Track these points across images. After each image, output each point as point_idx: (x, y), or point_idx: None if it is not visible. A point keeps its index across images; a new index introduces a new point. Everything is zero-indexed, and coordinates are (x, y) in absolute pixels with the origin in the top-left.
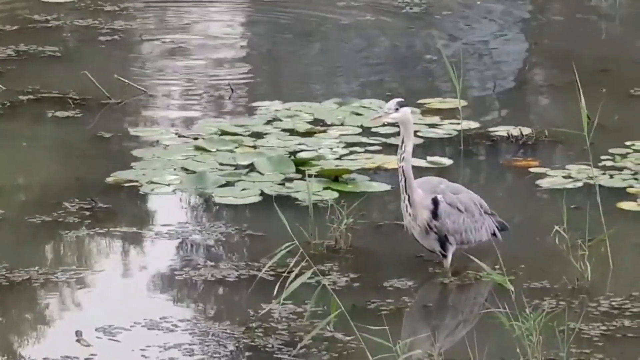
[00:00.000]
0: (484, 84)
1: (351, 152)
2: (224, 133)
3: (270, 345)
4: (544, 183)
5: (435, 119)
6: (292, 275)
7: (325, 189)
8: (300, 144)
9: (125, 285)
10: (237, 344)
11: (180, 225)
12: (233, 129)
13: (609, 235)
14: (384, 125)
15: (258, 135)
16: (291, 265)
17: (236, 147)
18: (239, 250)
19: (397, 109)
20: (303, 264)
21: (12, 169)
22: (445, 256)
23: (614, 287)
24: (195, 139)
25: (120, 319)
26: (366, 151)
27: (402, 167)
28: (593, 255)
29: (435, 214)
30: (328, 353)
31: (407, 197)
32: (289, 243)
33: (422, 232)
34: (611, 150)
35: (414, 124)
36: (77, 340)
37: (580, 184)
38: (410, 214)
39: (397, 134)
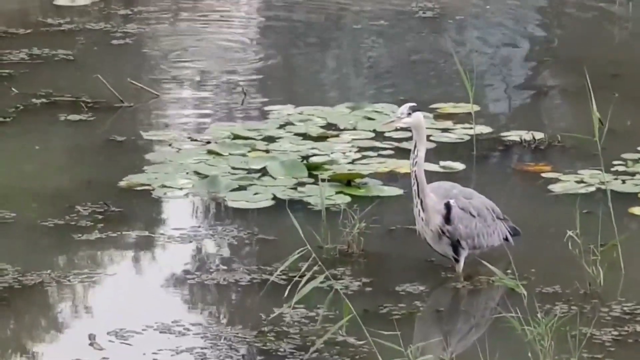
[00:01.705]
0: (497, 88)
1: (364, 157)
2: (236, 137)
3: (282, 350)
4: (556, 188)
5: (448, 124)
6: (304, 279)
7: (337, 193)
8: (312, 148)
9: (137, 289)
10: (249, 348)
11: (193, 229)
12: (246, 132)
13: (620, 240)
14: (396, 129)
15: (271, 139)
16: (303, 269)
17: (249, 151)
18: (251, 255)
19: (409, 113)
20: (315, 268)
21: (24, 173)
22: (457, 261)
23: (626, 292)
24: (208, 142)
25: (132, 323)
26: (379, 155)
27: (415, 171)
28: (605, 260)
29: (447, 219)
30: (340, 357)
31: (419, 202)
32: (302, 248)
33: (434, 236)
34: (623, 156)
35: (427, 128)
36: (91, 344)
37: (592, 188)
38: (422, 219)
39: (410, 138)
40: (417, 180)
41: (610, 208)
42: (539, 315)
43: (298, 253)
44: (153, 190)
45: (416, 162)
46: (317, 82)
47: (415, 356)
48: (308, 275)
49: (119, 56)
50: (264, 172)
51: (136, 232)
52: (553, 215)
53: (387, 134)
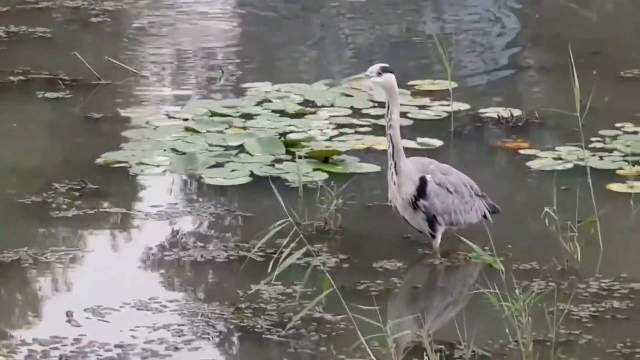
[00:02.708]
0: (475, 65)
1: (341, 134)
2: (214, 114)
3: (259, 326)
4: (534, 165)
5: (426, 101)
6: (284, 254)
7: (315, 170)
8: (290, 125)
9: (115, 266)
10: (226, 325)
11: (170, 206)
12: (223, 110)
13: (598, 216)
14: (373, 105)
15: (248, 117)
16: (285, 243)
17: (226, 128)
18: (228, 231)
19: (379, 73)
20: (293, 245)
21: (1, 150)
22: (434, 237)
23: (603, 269)
24: (185, 120)
25: (109, 300)
26: (356, 132)
27: (390, 134)
28: (583, 236)
29: (422, 192)
30: (317, 334)
31: (393, 164)
32: (283, 220)
33: (405, 205)
34: (601, 132)
35: (404, 105)
36: (68, 321)
37: (570, 165)
38: (395, 182)
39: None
40: (392, 142)
41: (590, 184)
42: (516, 291)
43: (280, 224)
44: (130, 167)
45: (390, 124)
46: (294, 59)
47: (394, 332)
48: (288, 250)
49: (97, 34)
50: (241, 149)
51: (113, 210)
52: (531, 192)
53: (364, 111)
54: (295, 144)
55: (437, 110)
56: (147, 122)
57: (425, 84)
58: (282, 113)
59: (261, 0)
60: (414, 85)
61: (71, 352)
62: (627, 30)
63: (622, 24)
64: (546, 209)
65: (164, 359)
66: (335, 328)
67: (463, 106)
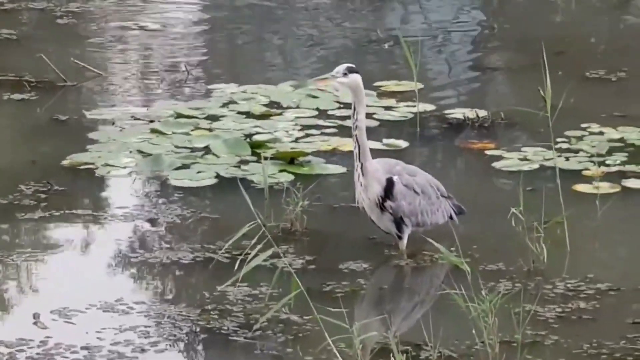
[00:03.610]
0: (440, 66)
1: (307, 135)
2: (179, 116)
3: (225, 328)
4: (500, 165)
5: (391, 102)
6: (251, 255)
7: (280, 171)
8: (256, 127)
9: (81, 268)
10: (192, 326)
11: (136, 207)
12: (189, 111)
13: (565, 217)
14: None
15: (214, 118)
16: (251, 244)
17: (192, 130)
18: (194, 233)
19: (345, 74)
20: (259, 246)
21: None
22: (400, 238)
23: (569, 270)
24: (151, 121)
25: (75, 302)
26: (322, 134)
27: (356, 135)
28: (549, 237)
29: (389, 193)
30: (284, 335)
31: (360, 166)
32: (252, 222)
33: (372, 205)
34: (567, 133)
35: (370, 106)
36: (35, 323)
37: (536, 166)
38: (361, 184)
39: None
40: (358, 143)
41: (559, 185)
42: (483, 292)
43: (248, 226)
44: (96, 169)
45: (357, 125)
46: (260, 60)
47: (360, 333)
48: (255, 251)
49: (63, 35)
50: (207, 150)
51: (79, 211)
52: (497, 193)
53: (330, 112)
54: (261, 145)
55: (402, 111)
56: (113, 124)
57: (391, 85)
58: (248, 114)
59: (227, 3)
60: (380, 86)
61: (37, 354)
62: (590, 31)
63: (585, 24)
64: (512, 209)
65: None
66: (301, 329)
67: (429, 107)
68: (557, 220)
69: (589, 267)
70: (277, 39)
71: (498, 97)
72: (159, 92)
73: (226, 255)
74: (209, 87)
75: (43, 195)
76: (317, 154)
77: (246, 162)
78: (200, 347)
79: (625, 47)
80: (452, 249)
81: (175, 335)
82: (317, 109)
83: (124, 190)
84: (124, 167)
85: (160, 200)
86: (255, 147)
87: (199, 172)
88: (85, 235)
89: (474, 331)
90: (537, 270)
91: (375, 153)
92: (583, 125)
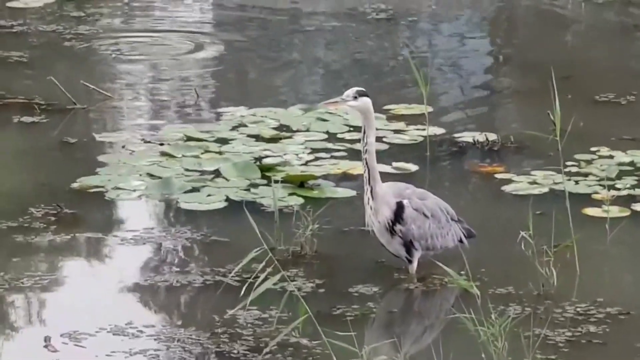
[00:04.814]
0: (450, 90)
1: (317, 158)
2: (189, 139)
3: (235, 351)
4: (509, 189)
5: (401, 125)
6: (259, 279)
7: (290, 194)
8: (265, 150)
9: (91, 291)
10: (202, 350)
11: (146, 231)
12: (198, 134)
13: (574, 241)
14: (349, 130)
15: (223, 141)
16: (259, 268)
17: (202, 153)
18: (204, 256)
19: (355, 97)
20: (269, 270)
21: None
22: (410, 262)
23: (579, 293)
24: (161, 144)
25: (85, 325)
26: (332, 157)
27: (366, 158)
28: (558, 261)
29: (399, 217)
30: (293, 359)
31: (369, 189)
32: (258, 248)
33: (381, 229)
34: (576, 156)
35: (380, 129)
36: (45, 346)
37: (545, 189)
38: (371, 207)
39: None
40: (367, 167)
41: (568, 209)
42: (492, 316)
43: (255, 252)
44: (106, 192)
45: (366, 149)
46: (270, 83)
47: (370, 357)
48: (263, 275)
49: (72, 58)
50: (217, 173)
51: (89, 234)
52: (507, 217)
53: (340, 135)
54: (270, 168)
55: (412, 134)
56: (122, 147)
57: (401, 109)
58: (258, 137)
59: (236, 24)
60: (389, 110)
61: None
62: (600, 54)
63: (595, 47)
64: (522, 233)
65: None
66: (311, 353)
67: (439, 130)
68: (566, 244)
69: (599, 291)
70: (286, 61)
71: (507, 120)
72: (168, 115)
73: (236, 278)
74: (219, 110)
75: (53, 218)
76: (326, 177)
77: (256, 186)
78: None
79: (635, 71)
80: (461, 272)
81: (185, 359)
82: (326, 132)
83: (133, 213)
84: (134, 190)
85: (170, 224)
86: (265, 170)
87: (208, 195)
88: (95, 258)
89: (483, 355)
90: (546, 294)
91: (385, 176)
92: (593, 149)
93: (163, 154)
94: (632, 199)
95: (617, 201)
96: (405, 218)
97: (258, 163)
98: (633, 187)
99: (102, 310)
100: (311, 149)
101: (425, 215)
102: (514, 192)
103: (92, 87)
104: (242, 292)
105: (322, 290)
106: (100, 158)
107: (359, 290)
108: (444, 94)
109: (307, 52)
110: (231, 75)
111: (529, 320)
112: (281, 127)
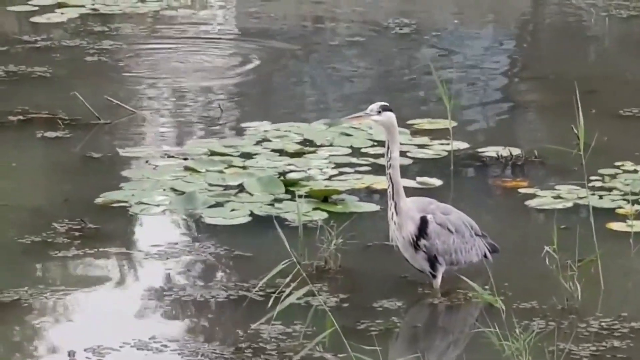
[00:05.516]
0: (474, 104)
1: (340, 173)
2: (213, 153)
3: None
4: (533, 203)
5: (425, 140)
6: (286, 292)
7: (314, 209)
8: (289, 165)
9: (115, 306)
10: None
11: (170, 245)
12: (222, 149)
13: (599, 255)
14: (372, 145)
15: (247, 156)
16: (285, 282)
17: (225, 168)
18: (228, 271)
19: (379, 112)
20: (294, 284)
21: (1, 190)
22: (434, 276)
23: (603, 308)
24: (185, 159)
25: (109, 339)
26: (356, 172)
27: (390, 173)
28: (583, 275)
29: (423, 232)
30: None
31: (393, 205)
32: (287, 260)
33: (405, 244)
34: (600, 171)
35: (403, 144)
36: None
37: (569, 204)
38: (395, 222)
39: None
40: (391, 182)
41: (592, 223)
42: (517, 330)
43: (283, 264)
44: (130, 207)
45: (390, 164)
46: (293, 98)
47: None
48: (289, 289)
49: (96, 73)
50: (240, 188)
51: (113, 249)
52: (530, 231)
53: (364, 150)
54: (294, 183)
55: (436, 149)
56: (146, 162)
57: (425, 123)
58: (282, 152)
59: (259, 39)
60: (413, 124)
61: None
62: (622, 69)
63: (620, 61)
64: (546, 247)
65: None
66: None
67: (462, 145)
68: (590, 258)
69: (623, 306)
70: (310, 76)
71: (531, 135)
72: (192, 129)
73: (260, 293)
74: (243, 124)
75: (77, 233)
76: (350, 192)
77: (280, 200)
78: None
79: None
80: (485, 287)
81: None
82: (350, 146)
83: (157, 228)
84: (158, 205)
85: (194, 239)
86: (289, 185)
87: (232, 210)
88: (118, 273)
89: None
90: (571, 309)
91: (409, 191)
92: (617, 163)
93: (187, 168)
94: None
95: None
96: (429, 233)
97: (282, 178)
98: None
99: (125, 324)
100: (335, 163)
101: (450, 230)
102: (537, 207)
103: (116, 102)
104: (270, 305)
105: (346, 304)
106: (124, 173)
107: (383, 305)
108: (468, 108)
109: (331, 67)
110: (255, 90)
111: (553, 335)
112: (305, 142)
